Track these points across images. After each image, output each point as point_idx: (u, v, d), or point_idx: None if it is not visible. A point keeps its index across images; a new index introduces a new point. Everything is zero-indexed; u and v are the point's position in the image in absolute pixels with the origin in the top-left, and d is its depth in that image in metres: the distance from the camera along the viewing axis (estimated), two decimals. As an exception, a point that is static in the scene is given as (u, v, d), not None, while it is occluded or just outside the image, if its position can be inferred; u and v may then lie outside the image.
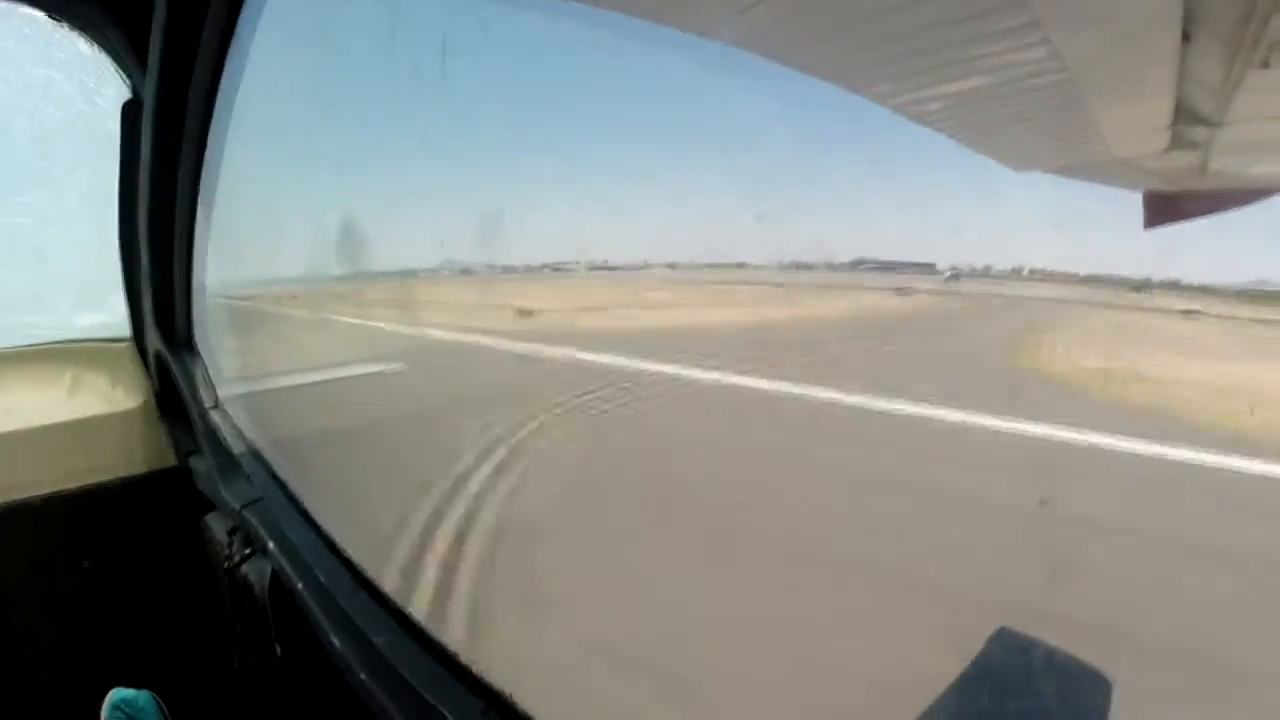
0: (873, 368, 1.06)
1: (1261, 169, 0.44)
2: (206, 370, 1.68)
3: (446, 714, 0.72)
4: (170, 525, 1.74)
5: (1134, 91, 0.45)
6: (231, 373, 1.67)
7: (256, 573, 1.17)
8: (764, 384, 1.04)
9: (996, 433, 0.88)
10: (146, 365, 1.82)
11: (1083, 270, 0.54)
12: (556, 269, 0.97)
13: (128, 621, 1.73)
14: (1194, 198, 0.45)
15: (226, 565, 1.29)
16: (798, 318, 0.96)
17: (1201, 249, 0.45)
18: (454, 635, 0.80)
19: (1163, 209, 0.45)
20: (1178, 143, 0.43)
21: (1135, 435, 0.79)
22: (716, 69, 0.64)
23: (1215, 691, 0.71)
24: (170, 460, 1.79)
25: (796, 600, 0.77)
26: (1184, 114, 0.42)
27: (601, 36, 0.79)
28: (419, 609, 0.87)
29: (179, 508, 1.70)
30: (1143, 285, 0.51)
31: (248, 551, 1.25)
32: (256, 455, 1.42)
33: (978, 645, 0.57)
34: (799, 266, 0.72)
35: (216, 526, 1.43)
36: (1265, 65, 0.36)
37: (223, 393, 1.65)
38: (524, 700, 0.69)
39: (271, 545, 1.16)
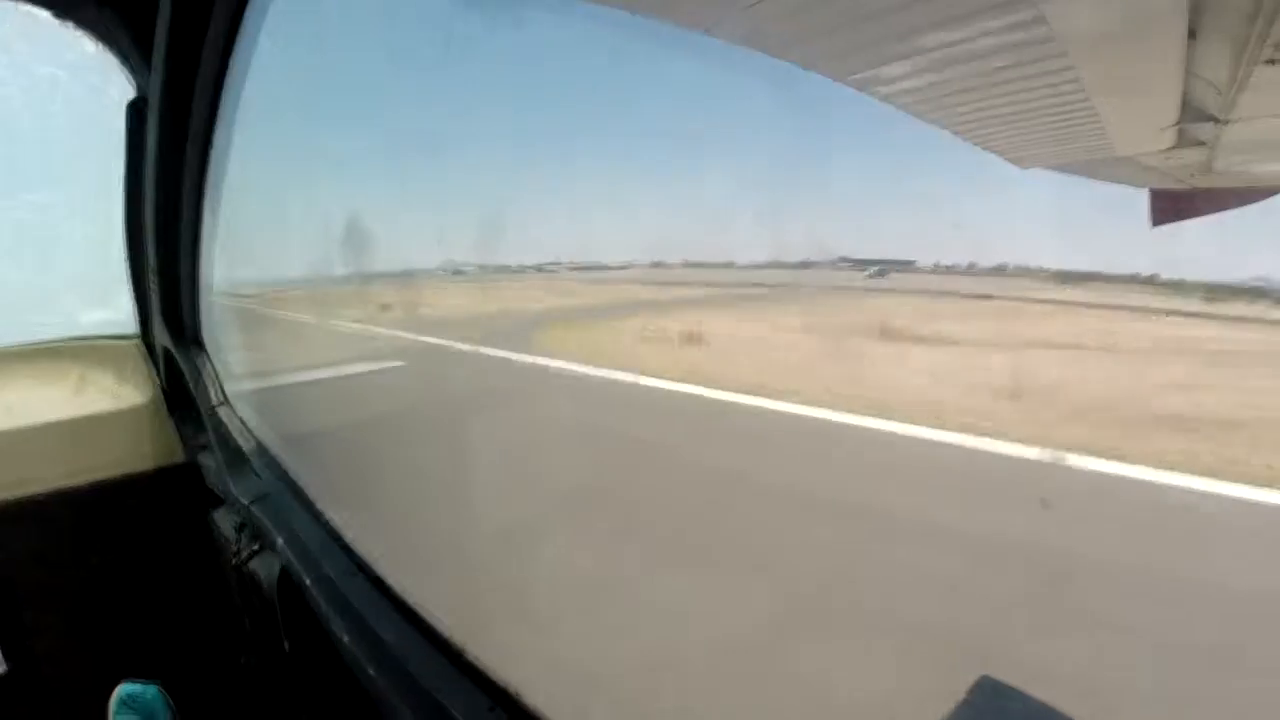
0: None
1: (1267, 166, 0.44)
2: (214, 366, 1.68)
3: (454, 710, 0.72)
4: (178, 521, 1.75)
5: (1140, 89, 0.45)
6: (239, 369, 1.67)
7: (265, 568, 1.18)
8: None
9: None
10: (154, 362, 1.83)
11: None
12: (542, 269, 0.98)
13: (136, 616, 1.74)
14: (1200, 194, 0.44)
15: (234, 560, 1.29)
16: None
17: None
18: (462, 632, 0.80)
19: (1169, 205, 0.45)
20: (1183, 140, 0.43)
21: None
22: (720, 66, 0.64)
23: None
24: (178, 456, 1.79)
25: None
26: (1190, 111, 0.42)
27: (603, 33, 0.79)
28: (427, 605, 0.88)
29: (187, 503, 1.71)
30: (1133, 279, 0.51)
31: (256, 547, 1.25)
32: (264, 451, 1.43)
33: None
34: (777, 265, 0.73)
35: (224, 522, 1.43)
36: (1271, 63, 0.36)
37: (230, 389, 1.65)
38: (531, 697, 0.69)
39: (280, 540, 1.16)
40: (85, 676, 1.62)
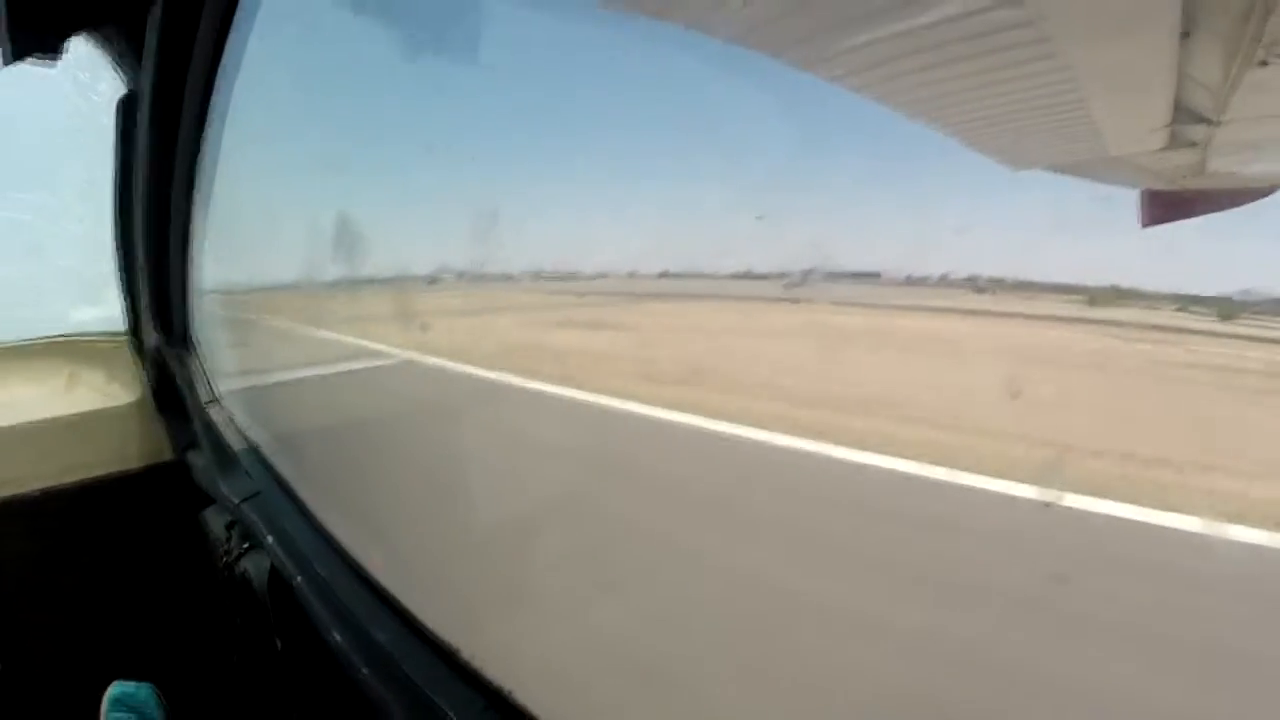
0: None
1: (1259, 168, 0.44)
2: (203, 365, 1.68)
3: (446, 710, 0.72)
4: (168, 520, 1.74)
5: (1131, 89, 0.45)
6: (229, 368, 1.67)
7: (255, 567, 1.17)
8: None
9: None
10: (143, 360, 1.82)
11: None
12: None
13: (126, 616, 1.74)
14: (1191, 196, 0.45)
15: (225, 560, 1.29)
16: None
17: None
18: (454, 631, 0.80)
19: (1160, 207, 0.45)
20: (1175, 141, 0.43)
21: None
22: (715, 66, 0.64)
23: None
24: (167, 455, 1.79)
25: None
26: (1182, 112, 0.42)
27: (596, 33, 0.79)
28: (419, 604, 0.87)
29: (176, 503, 1.70)
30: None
31: (246, 546, 1.25)
32: (254, 450, 1.43)
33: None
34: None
35: (214, 521, 1.43)
36: (1264, 64, 0.36)
37: (220, 388, 1.65)
38: (524, 697, 0.69)
39: (270, 539, 1.16)
40: (76, 676, 1.61)
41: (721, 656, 0.65)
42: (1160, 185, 0.45)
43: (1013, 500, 0.61)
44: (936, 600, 0.62)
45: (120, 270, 1.72)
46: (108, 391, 1.79)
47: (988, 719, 0.58)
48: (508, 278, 0.95)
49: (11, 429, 1.59)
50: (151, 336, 1.71)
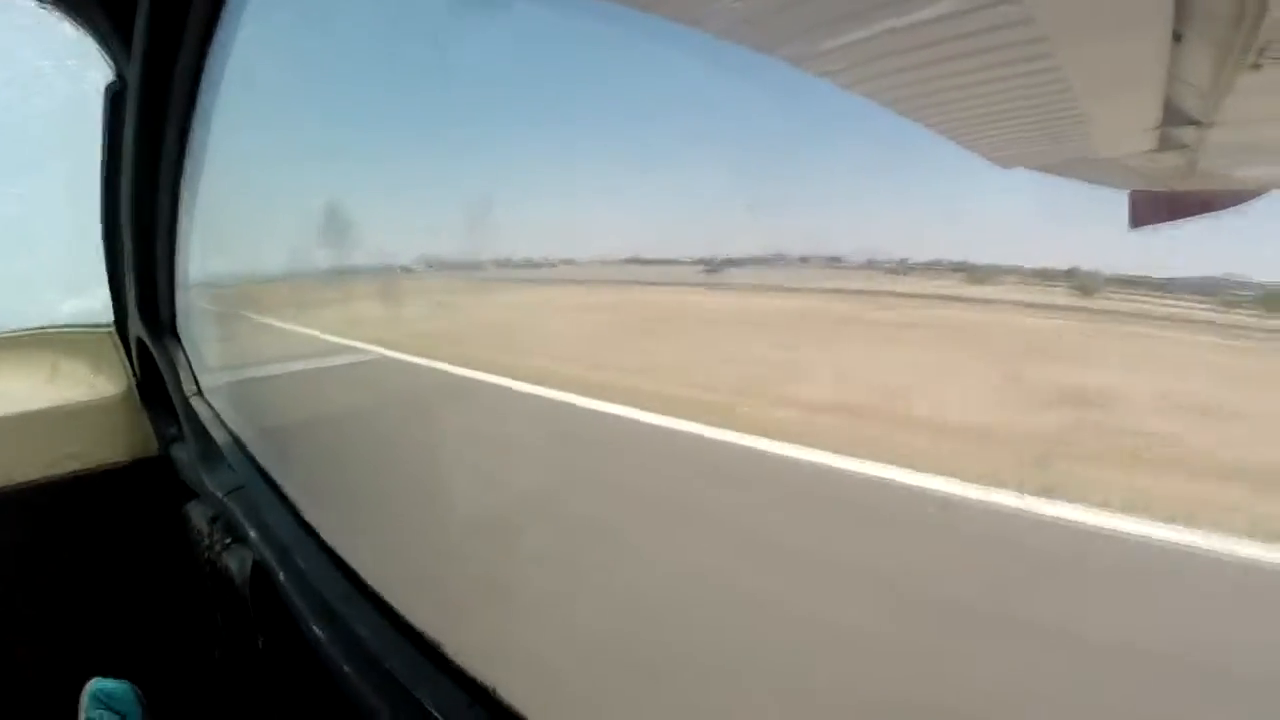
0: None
1: (1249, 171, 0.44)
2: (189, 358, 1.66)
3: (430, 707, 0.72)
4: (152, 513, 1.73)
5: (1123, 91, 0.45)
6: (214, 361, 1.65)
7: (238, 561, 1.16)
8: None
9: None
10: (128, 352, 1.80)
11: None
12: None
13: (108, 611, 1.72)
14: (1181, 198, 0.45)
15: (207, 554, 1.28)
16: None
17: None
18: (438, 627, 0.80)
19: (1149, 209, 0.45)
20: (1166, 143, 0.43)
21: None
22: (708, 61, 0.64)
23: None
24: (152, 448, 1.77)
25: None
26: (1173, 115, 0.42)
27: (591, 28, 0.78)
28: (403, 600, 0.87)
29: (161, 496, 1.69)
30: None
31: (229, 540, 1.24)
32: (238, 443, 1.41)
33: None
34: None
35: (198, 515, 1.42)
36: (1256, 68, 0.36)
37: (205, 381, 1.63)
38: (508, 693, 0.69)
39: (253, 534, 1.15)
40: (55, 672, 1.59)
41: (704, 652, 0.64)
42: (1149, 186, 0.45)
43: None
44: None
45: (106, 261, 1.70)
46: (93, 384, 1.78)
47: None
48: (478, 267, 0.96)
49: (-8, 421, 1.58)
50: (137, 328, 1.70)
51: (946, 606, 0.53)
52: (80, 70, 1.55)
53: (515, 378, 1.00)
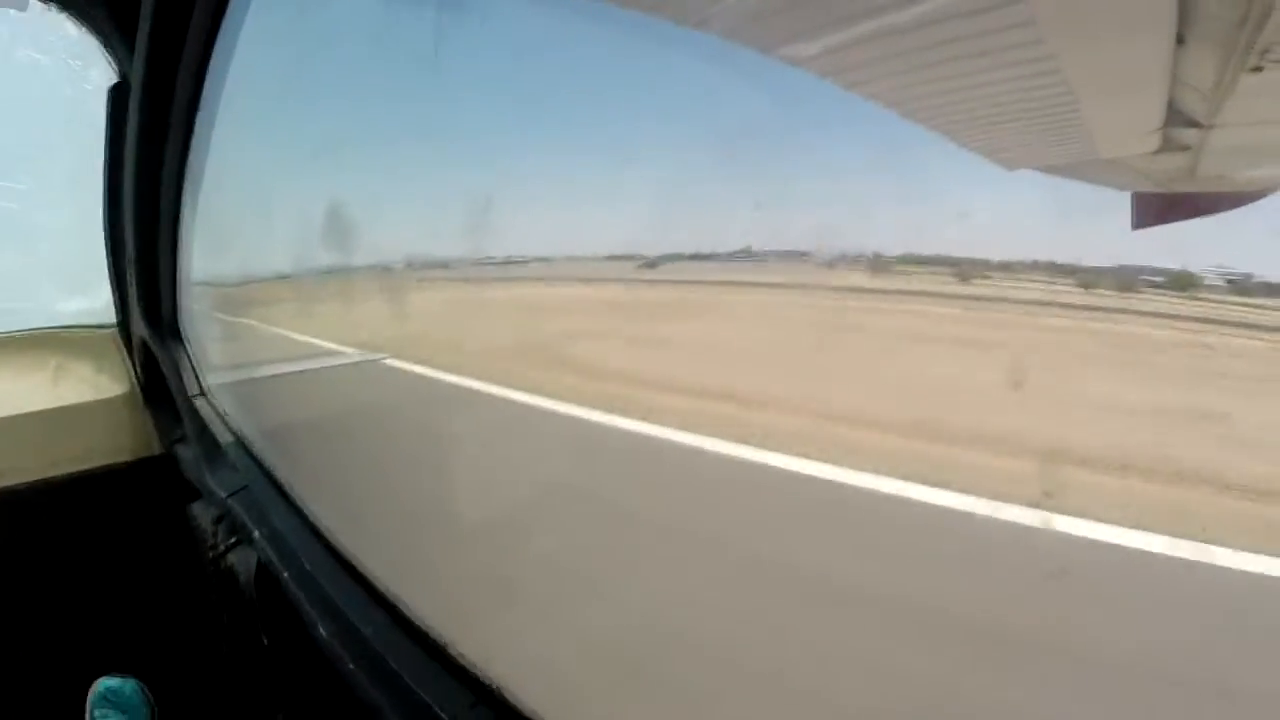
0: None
1: (1249, 172, 0.44)
2: (192, 357, 1.67)
3: (435, 706, 0.72)
4: (156, 513, 1.73)
5: (1126, 93, 0.46)
6: (217, 360, 1.66)
7: (242, 561, 1.16)
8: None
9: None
10: (131, 352, 1.80)
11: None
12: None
13: (113, 611, 1.73)
14: (1183, 199, 0.45)
15: (212, 554, 1.28)
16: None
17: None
18: (443, 626, 0.80)
19: (1152, 209, 0.45)
20: (1168, 145, 0.44)
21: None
22: (711, 61, 0.64)
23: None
24: (155, 448, 1.77)
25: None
26: (1175, 117, 0.42)
27: (592, 29, 0.78)
28: (408, 599, 0.87)
29: (164, 496, 1.69)
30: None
31: (233, 540, 1.24)
32: (242, 443, 1.42)
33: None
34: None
35: (202, 515, 1.42)
36: (1257, 70, 0.36)
37: (208, 380, 1.64)
38: (514, 693, 0.69)
39: (257, 534, 1.15)
40: (62, 672, 1.60)
41: (711, 652, 0.65)
42: (1152, 187, 0.45)
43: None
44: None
45: (109, 261, 1.71)
46: (96, 384, 1.78)
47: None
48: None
49: (-3, 421, 1.58)
50: (140, 328, 1.70)
51: (954, 613, 0.53)
52: (82, 68, 1.55)
53: (520, 383, 1.00)
